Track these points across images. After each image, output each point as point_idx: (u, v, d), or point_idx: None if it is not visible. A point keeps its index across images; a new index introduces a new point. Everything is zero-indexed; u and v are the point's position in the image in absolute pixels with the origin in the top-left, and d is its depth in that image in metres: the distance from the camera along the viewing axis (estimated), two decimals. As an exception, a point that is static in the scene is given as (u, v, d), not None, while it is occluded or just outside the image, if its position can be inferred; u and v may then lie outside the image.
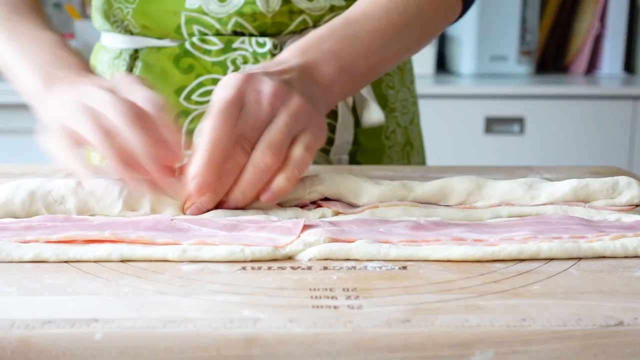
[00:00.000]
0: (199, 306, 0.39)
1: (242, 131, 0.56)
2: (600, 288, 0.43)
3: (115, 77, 0.62)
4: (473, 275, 0.45)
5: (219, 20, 0.78)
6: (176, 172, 0.58)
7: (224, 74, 0.80)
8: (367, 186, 0.59)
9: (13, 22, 0.73)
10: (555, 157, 1.92)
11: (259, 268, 0.46)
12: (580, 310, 0.39)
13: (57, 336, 0.36)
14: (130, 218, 0.54)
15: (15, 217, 0.55)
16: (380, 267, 0.47)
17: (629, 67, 2.19)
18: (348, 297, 0.41)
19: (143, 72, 0.83)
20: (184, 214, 0.56)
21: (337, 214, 0.58)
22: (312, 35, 0.67)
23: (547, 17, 2.18)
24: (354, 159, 0.85)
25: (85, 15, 2.21)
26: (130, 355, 0.36)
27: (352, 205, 0.59)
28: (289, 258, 0.49)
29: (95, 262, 0.47)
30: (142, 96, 0.58)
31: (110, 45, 0.86)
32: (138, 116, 0.55)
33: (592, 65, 2.17)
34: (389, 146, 0.88)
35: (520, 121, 1.90)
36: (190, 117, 0.81)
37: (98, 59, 0.89)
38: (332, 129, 0.82)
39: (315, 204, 0.59)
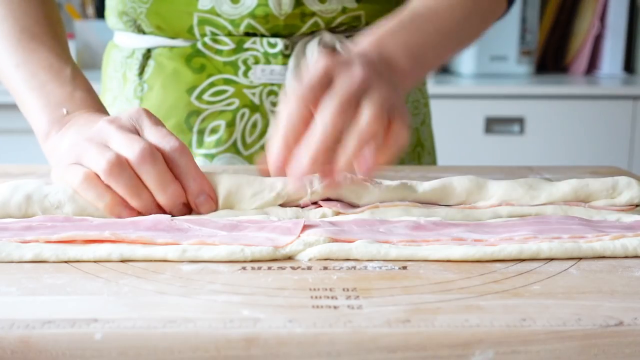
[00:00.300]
0: (199, 306, 0.39)
1: (338, 99, 0.54)
2: (600, 288, 0.43)
3: (126, 114, 0.59)
4: (473, 275, 0.45)
5: (232, 21, 0.78)
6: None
7: (235, 74, 0.80)
8: (368, 186, 0.59)
9: (26, 48, 0.70)
10: (555, 157, 1.92)
11: (259, 268, 0.46)
12: (580, 310, 0.39)
13: (57, 336, 0.36)
14: (130, 218, 0.54)
15: (12, 218, 0.55)
16: (380, 267, 0.47)
17: (629, 67, 2.19)
18: (348, 297, 0.41)
19: (155, 72, 0.83)
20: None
21: (337, 214, 0.58)
22: (382, 27, 0.66)
23: (547, 17, 2.18)
24: None
25: (85, 15, 2.21)
26: (130, 355, 0.36)
27: (352, 206, 0.59)
28: (289, 258, 0.49)
29: (95, 262, 0.47)
30: (161, 136, 0.57)
31: (122, 45, 0.87)
32: (165, 165, 0.55)
33: (592, 65, 2.17)
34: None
35: (520, 121, 1.90)
36: (201, 117, 0.81)
37: (111, 58, 0.89)
38: None
39: (316, 204, 0.59)
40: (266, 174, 0.57)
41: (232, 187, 0.58)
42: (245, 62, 0.80)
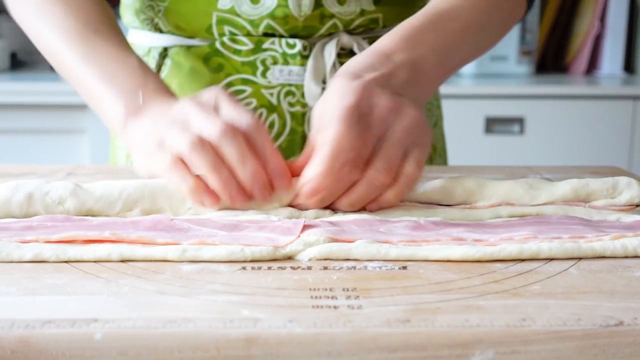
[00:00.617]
0: (199, 306, 0.39)
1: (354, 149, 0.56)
2: (600, 288, 0.43)
3: (205, 94, 0.60)
4: (473, 275, 0.45)
5: (251, 21, 0.78)
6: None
7: (253, 74, 0.81)
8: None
9: (90, 41, 0.70)
10: (555, 157, 1.91)
11: (259, 268, 0.46)
12: (580, 310, 0.39)
13: (57, 336, 0.36)
14: (130, 218, 0.54)
15: (13, 218, 0.55)
16: (380, 267, 0.47)
17: (629, 67, 2.19)
18: (348, 297, 0.41)
19: (172, 71, 0.83)
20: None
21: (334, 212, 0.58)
22: (410, 25, 0.66)
23: (547, 17, 2.18)
24: None
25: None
26: (130, 355, 0.36)
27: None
28: (289, 258, 0.49)
29: (95, 262, 0.47)
30: (240, 114, 0.57)
31: (138, 43, 0.87)
32: (245, 142, 0.55)
33: (592, 65, 2.17)
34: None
35: (520, 121, 1.90)
36: None
37: None
38: None
39: None
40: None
41: None
42: (263, 62, 0.80)
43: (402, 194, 0.58)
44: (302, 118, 0.82)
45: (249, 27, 0.79)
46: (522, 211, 0.58)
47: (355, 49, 0.80)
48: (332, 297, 0.41)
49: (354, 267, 0.47)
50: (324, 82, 0.80)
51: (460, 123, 1.90)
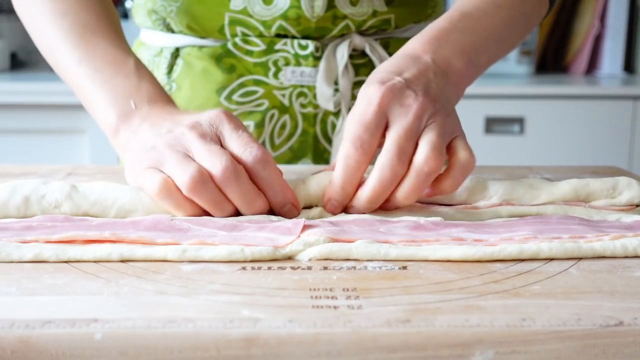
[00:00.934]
0: (199, 306, 0.39)
1: (396, 142, 0.55)
2: (600, 288, 0.43)
3: (206, 118, 0.57)
4: (473, 275, 0.45)
5: (263, 22, 0.78)
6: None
7: (266, 75, 0.80)
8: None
9: (88, 42, 0.68)
10: (555, 157, 1.91)
11: (259, 268, 0.46)
12: (580, 310, 0.39)
13: (57, 336, 0.36)
14: (130, 218, 0.54)
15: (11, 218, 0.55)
16: (380, 267, 0.47)
17: (629, 67, 2.19)
18: (348, 297, 0.41)
19: (184, 71, 0.83)
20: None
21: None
22: (436, 27, 0.65)
23: (547, 17, 2.18)
24: None
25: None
26: (130, 355, 0.36)
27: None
28: (289, 258, 0.49)
29: (95, 262, 0.47)
30: (244, 143, 0.56)
31: (150, 43, 0.86)
32: (251, 183, 0.54)
33: (592, 65, 2.17)
34: None
35: (520, 121, 1.90)
36: None
37: (138, 56, 0.88)
38: None
39: None
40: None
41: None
42: (275, 63, 0.80)
43: (458, 182, 0.57)
44: (313, 119, 0.82)
45: (261, 28, 0.79)
46: (522, 211, 0.58)
47: (367, 51, 0.80)
48: (332, 297, 0.41)
49: (354, 267, 0.47)
50: (336, 83, 0.80)
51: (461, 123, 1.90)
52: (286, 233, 0.51)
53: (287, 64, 0.80)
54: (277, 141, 0.82)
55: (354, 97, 0.82)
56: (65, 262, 0.47)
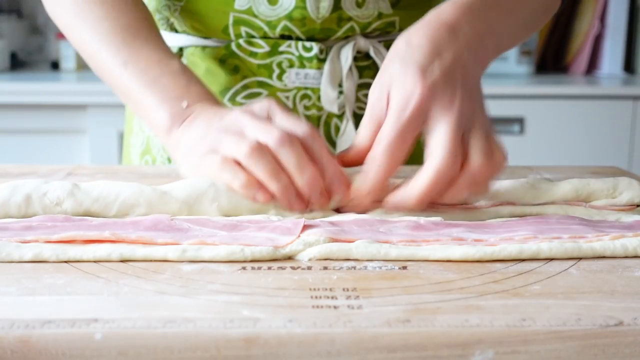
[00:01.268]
0: (199, 306, 0.39)
1: (447, 145, 0.55)
2: (600, 288, 0.43)
3: (257, 105, 0.60)
4: (473, 275, 0.45)
5: (268, 23, 0.78)
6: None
7: (270, 77, 0.80)
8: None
9: (131, 45, 0.69)
10: (555, 157, 1.91)
11: (259, 268, 0.46)
12: (580, 310, 0.39)
13: (57, 336, 0.36)
14: (130, 218, 0.54)
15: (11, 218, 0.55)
16: (380, 267, 0.47)
17: (629, 67, 2.19)
18: (348, 297, 0.41)
19: None
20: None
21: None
22: (459, 6, 0.61)
23: (547, 17, 2.18)
24: None
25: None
26: (130, 355, 0.36)
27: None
28: (289, 258, 0.49)
29: (95, 262, 0.47)
30: (294, 124, 0.57)
31: None
32: (302, 149, 0.55)
33: (592, 65, 2.17)
34: (424, 150, 0.88)
35: (520, 121, 1.90)
36: None
37: None
38: None
39: None
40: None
41: None
42: (279, 65, 0.80)
43: (491, 184, 0.58)
44: (317, 121, 0.82)
45: (266, 29, 0.78)
46: (522, 211, 0.58)
47: (372, 53, 0.80)
48: (332, 297, 0.41)
49: (354, 267, 0.47)
50: (340, 85, 0.80)
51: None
52: (286, 233, 0.51)
53: (291, 65, 0.80)
54: None
55: (358, 100, 0.82)
56: (65, 262, 0.47)
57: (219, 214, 0.56)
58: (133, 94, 0.68)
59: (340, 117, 0.82)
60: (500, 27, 0.64)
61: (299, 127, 0.57)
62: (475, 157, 0.55)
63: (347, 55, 0.79)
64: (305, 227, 0.51)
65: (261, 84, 0.81)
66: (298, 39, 0.79)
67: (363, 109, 0.82)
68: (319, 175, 0.56)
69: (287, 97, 0.81)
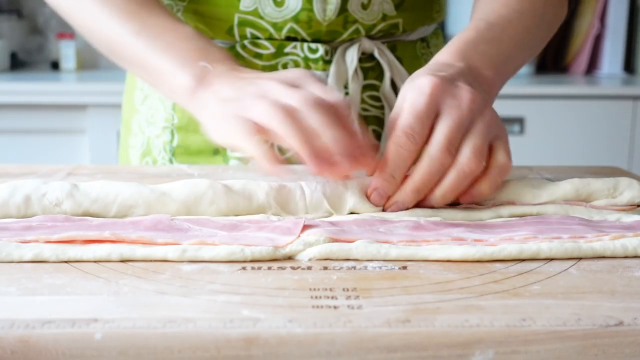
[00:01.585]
0: (199, 306, 0.39)
1: (446, 134, 0.56)
2: (600, 288, 0.43)
3: (290, 73, 0.60)
4: (473, 275, 0.45)
5: (274, 25, 0.77)
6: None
7: None
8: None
9: (140, 15, 0.68)
10: (555, 157, 1.91)
11: (259, 268, 0.46)
12: (580, 310, 0.39)
13: (57, 336, 0.36)
14: (130, 218, 0.54)
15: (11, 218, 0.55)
16: (380, 267, 0.47)
17: (629, 67, 2.19)
18: (348, 297, 0.41)
19: None
20: (384, 211, 0.57)
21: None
22: (464, 38, 0.66)
23: (547, 17, 2.17)
24: None
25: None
26: (130, 355, 0.36)
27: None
28: (289, 258, 0.49)
29: (95, 262, 0.47)
30: (325, 92, 0.57)
31: None
32: (332, 113, 0.55)
33: (592, 65, 2.17)
34: None
35: (520, 121, 1.90)
36: None
37: None
38: (377, 136, 0.83)
39: None
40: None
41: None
42: (285, 66, 0.79)
43: (496, 185, 0.58)
44: None
45: (271, 30, 0.78)
46: (522, 211, 0.58)
47: (376, 54, 0.80)
48: (332, 297, 0.41)
49: (354, 267, 0.47)
50: (346, 87, 0.80)
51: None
52: (286, 233, 0.51)
53: (297, 66, 0.79)
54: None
55: (363, 101, 0.82)
56: (65, 262, 0.47)
57: (218, 216, 0.56)
58: (148, 61, 0.67)
59: None
60: (501, 57, 0.66)
61: (331, 94, 0.57)
62: (463, 152, 0.56)
63: (352, 56, 0.79)
64: (305, 227, 0.51)
65: None
66: (303, 40, 0.79)
67: (367, 110, 0.82)
68: (347, 136, 0.55)
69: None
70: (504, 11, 0.70)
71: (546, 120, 1.91)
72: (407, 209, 0.57)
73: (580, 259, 0.49)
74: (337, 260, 0.48)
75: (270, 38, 0.79)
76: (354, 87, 0.80)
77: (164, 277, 0.44)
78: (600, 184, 0.59)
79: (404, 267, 0.47)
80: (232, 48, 0.79)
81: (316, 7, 0.76)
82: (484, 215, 0.58)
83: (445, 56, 0.64)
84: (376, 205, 0.57)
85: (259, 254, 0.48)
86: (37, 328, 0.36)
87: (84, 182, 0.57)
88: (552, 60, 2.24)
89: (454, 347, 0.36)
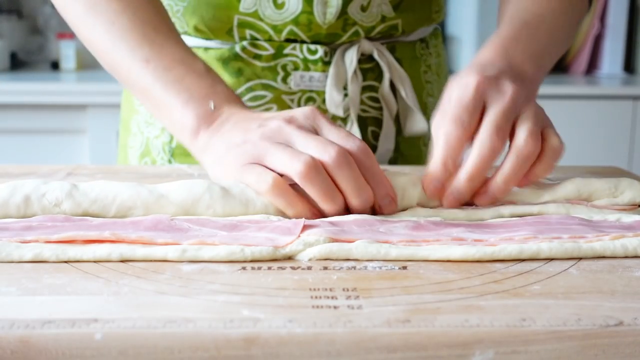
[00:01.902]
0: (199, 306, 0.39)
1: (493, 120, 0.57)
2: (600, 288, 0.43)
3: (300, 113, 0.58)
4: (473, 275, 0.45)
5: (274, 27, 0.77)
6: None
7: (274, 79, 0.80)
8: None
9: (152, 41, 0.65)
10: (555, 157, 1.91)
11: (259, 268, 0.46)
12: (580, 310, 0.39)
13: (57, 336, 0.36)
14: (130, 218, 0.54)
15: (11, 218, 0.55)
16: (380, 267, 0.47)
17: (629, 67, 2.19)
18: (348, 297, 0.41)
19: None
20: (441, 206, 0.58)
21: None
22: (502, 37, 0.67)
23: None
24: None
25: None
26: (130, 355, 0.36)
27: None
28: (289, 258, 0.49)
29: (95, 262, 0.47)
30: (344, 137, 0.56)
31: None
32: (359, 165, 0.55)
33: (592, 65, 2.17)
34: (427, 153, 0.88)
35: (520, 121, 1.90)
36: None
37: None
38: (376, 137, 0.83)
39: None
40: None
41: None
42: (284, 67, 0.79)
43: (551, 168, 0.59)
44: None
45: (271, 32, 0.78)
46: (523, 210, 0.58)
47: (375, 55, 0.80)
48: (332, 297, 0.41)
49: (354, 267, 0.47)
50: (345, 88, 0.80)
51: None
52: (286, 233, 0.51)
53: (296, 68, 0.79)
54: None
55: (362, 102, 0.82)
56: (65, 262, 0.47)
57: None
58: (154, 92, 0.65)
59: (345, 119, 0.82)
60: (539, 53, 0.68)
61: (352, 142, 0.56)
62: (519, 135, 0.57)
63: (351, 58, 0.79)
64: (305, 227, 0.51)
65: (265, 87, 0.80)
66: (303, 42, 0.79)
67: (367, 111, 0.82)
68: (372, 195, 0.56)
69: (292, 100, 0.81)
70: (536, 9, 0.71)
71: (546, 120, 1.91)
72: (465, 204, 0.58)
73: (580, 259, 0.49)
74: (337, 260, 0.48)
75: (269, 39, 0.79)
76: (353, 88, 0.80)
77: (163, 277, 0.44)
78: (601, 184, 0.59)
79: (404, 267, 0.47)
80: (231, 49, 0.79)
81: (316, 10, 0.76)
82: (485, 214, 0.58)
83: (487, 55, 0.65)
84: (431, 197, 0.58)
85: (259, 254, 0.48)
86: (37, 328, 0.36)
87: (84, 182, 0.57)
88: (552, 60, 2.24)
89: (454, 347, 0.36)
